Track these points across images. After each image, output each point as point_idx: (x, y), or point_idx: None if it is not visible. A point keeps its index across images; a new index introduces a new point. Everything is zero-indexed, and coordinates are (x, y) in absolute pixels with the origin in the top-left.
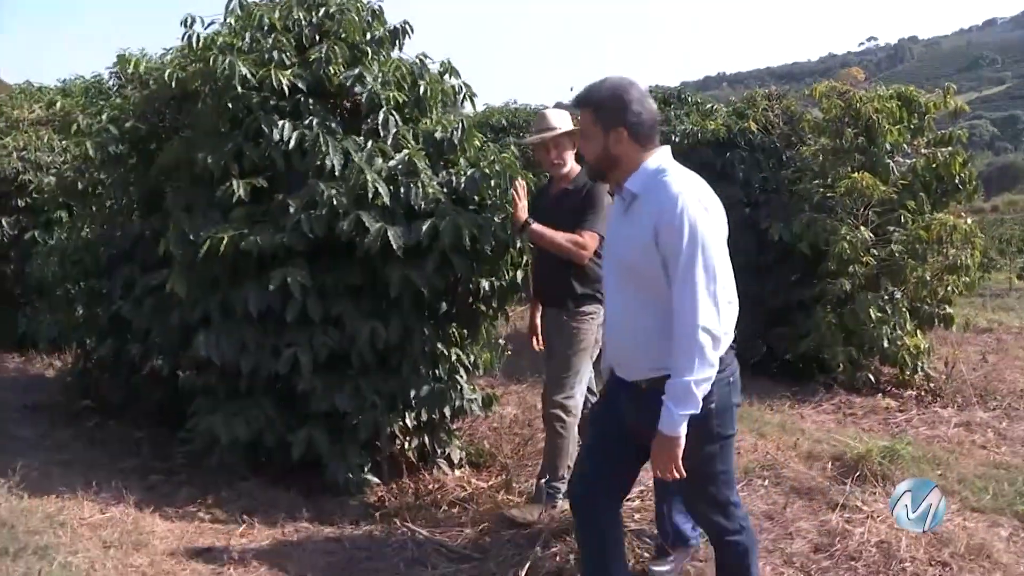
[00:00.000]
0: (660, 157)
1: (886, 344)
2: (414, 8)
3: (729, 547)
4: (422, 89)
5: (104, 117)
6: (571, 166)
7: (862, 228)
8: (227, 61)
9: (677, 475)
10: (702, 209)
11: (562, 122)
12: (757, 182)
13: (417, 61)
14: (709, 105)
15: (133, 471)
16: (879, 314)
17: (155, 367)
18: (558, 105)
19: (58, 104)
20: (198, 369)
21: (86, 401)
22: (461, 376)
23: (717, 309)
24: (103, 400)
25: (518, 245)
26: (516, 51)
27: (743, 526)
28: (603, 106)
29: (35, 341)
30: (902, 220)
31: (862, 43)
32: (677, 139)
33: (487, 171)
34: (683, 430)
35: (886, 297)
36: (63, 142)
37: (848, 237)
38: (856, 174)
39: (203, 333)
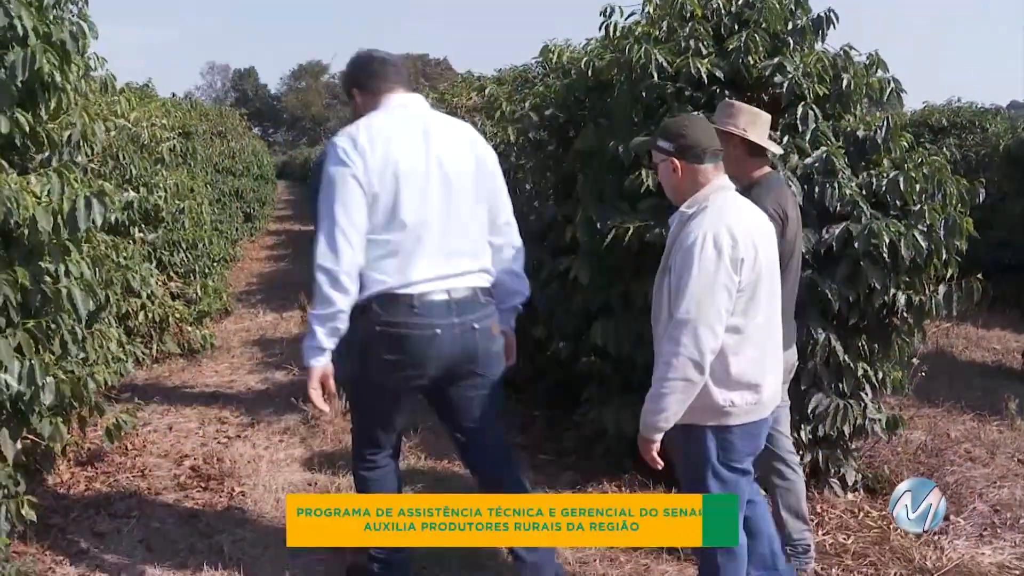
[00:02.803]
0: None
1: None
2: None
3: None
4: (845, 83)
5: (527, 104)
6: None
7: None
8: (642, 50)
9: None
10: (344, 153)
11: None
12: None
13: (841, 53)
14: None
15: (525, 447)
16: None
17: (556, 350)
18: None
19: (487, 90)
20: (595, 356)
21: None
22: (866, 393)
23: (335, 251)
24: (507, 376)
25: (942, 257)
26: (964, 46)
27: (363, 470)
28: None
29: None
30: None
31: None
32: None
33: (912, 174)
34: (315, 363)
35: None
36: (493, 128)
37: None
38: None
39: (602, 322)
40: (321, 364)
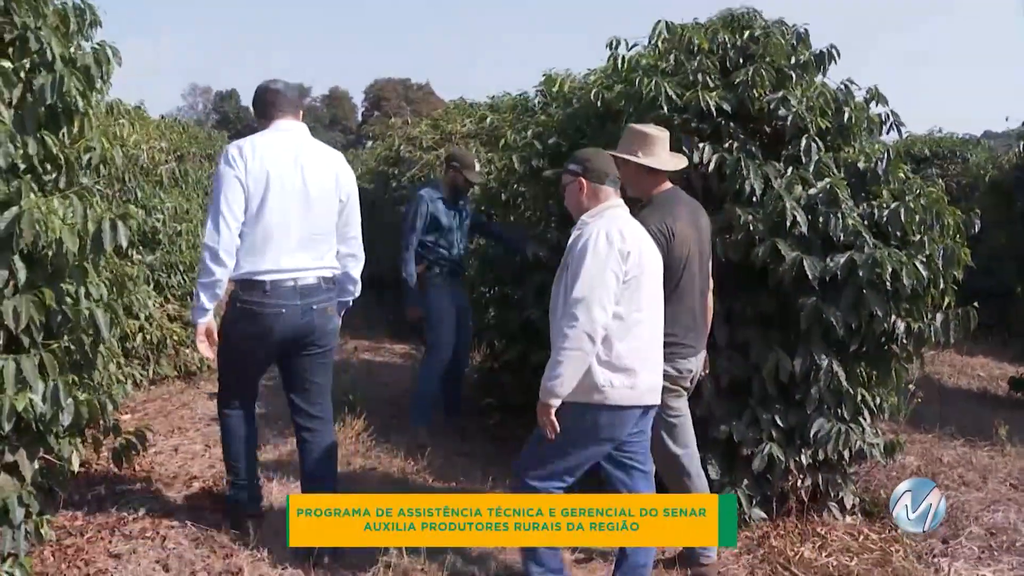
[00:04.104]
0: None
1: None
2: (836, 32)
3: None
4: (846, 116)
5: (529, 133)
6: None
7: None
8: (652, 82)
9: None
10: (232, 158)
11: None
12: None
13: (842, 87)
14: None
15: None
16: None
17: None
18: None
19: (488, 119)
20: None
21: (490, 399)
22: (864, 418)
23: (218, 232)
24: (506, 399)
25: (940, 286)
26: (942, 75)
27: (225, 413)
28: None
29: None
30: None
31: None
32: None
33: (912, 205)
34: (200, 321)
35: None
36: (488, 154)
37: None
38: None
39: None
40: (205, 321)
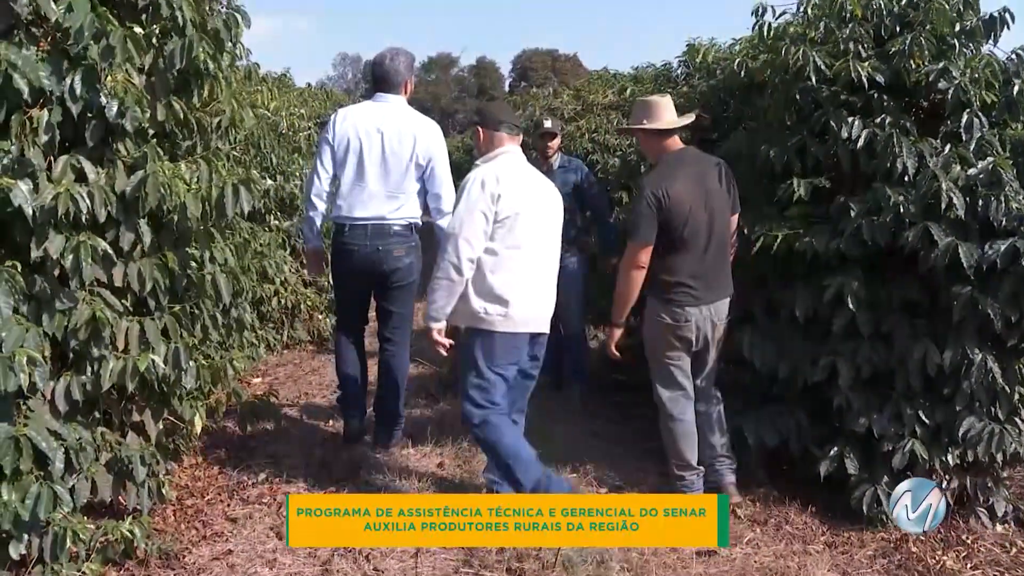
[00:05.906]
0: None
1: None
2: None
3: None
4: (1016, 89)
5: None
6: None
7: None
8: (800, 51)
9: None
10: (328, 124)
11: (639, 114)
12: None
13: (1013, 57)
14: None
15: (653, 453)
16: None
17: None
18: None
19: (628, 90)
20: (733, 364)
21: (619, 376)
22: (1022, 419)
23: (312, 182)
24: (635, 376)
25: None
26: None
27: (337, 338)
28: None
29: None
30: None
31: None
32: None
33: None
34: (308, 247)
35: None
36: (629, 125)
37: None
38: None
39: (747, 332)
40: (312, 247)
